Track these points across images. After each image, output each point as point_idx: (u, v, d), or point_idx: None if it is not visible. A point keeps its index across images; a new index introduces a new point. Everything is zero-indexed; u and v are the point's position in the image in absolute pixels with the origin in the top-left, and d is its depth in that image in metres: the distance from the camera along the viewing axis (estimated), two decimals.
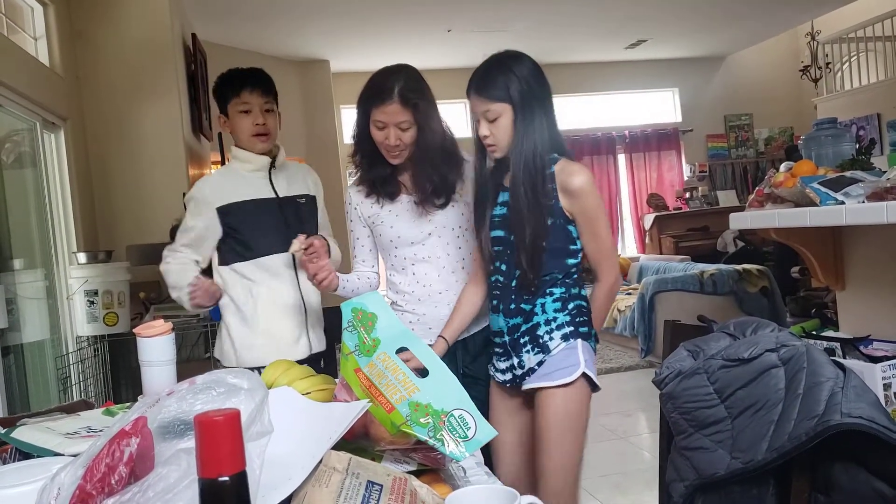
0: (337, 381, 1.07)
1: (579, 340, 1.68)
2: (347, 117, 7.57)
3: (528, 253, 1.64)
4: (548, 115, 1.66)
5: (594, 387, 1.69)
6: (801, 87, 8.68)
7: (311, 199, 2.17)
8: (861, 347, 2.02)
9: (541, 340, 1.70)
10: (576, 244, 1.70)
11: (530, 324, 1.71)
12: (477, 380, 1.95)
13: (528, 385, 1.71)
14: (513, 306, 1.73)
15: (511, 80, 1.61)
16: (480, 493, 0.80)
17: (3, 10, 3.32)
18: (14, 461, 0.83)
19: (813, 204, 2.19)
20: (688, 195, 8.37)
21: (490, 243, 1.77)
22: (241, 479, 0.51)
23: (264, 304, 2.05)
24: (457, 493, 0.80)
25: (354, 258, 2.04)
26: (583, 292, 1.75)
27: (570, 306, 1.70)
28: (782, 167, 2.56)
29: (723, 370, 1.17)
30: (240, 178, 2.07)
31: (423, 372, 0.99)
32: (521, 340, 1.72)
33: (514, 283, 1.71)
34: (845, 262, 2.61)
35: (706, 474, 1.17)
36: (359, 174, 1.96)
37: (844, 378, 1.07)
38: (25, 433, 0.89)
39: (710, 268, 5.81)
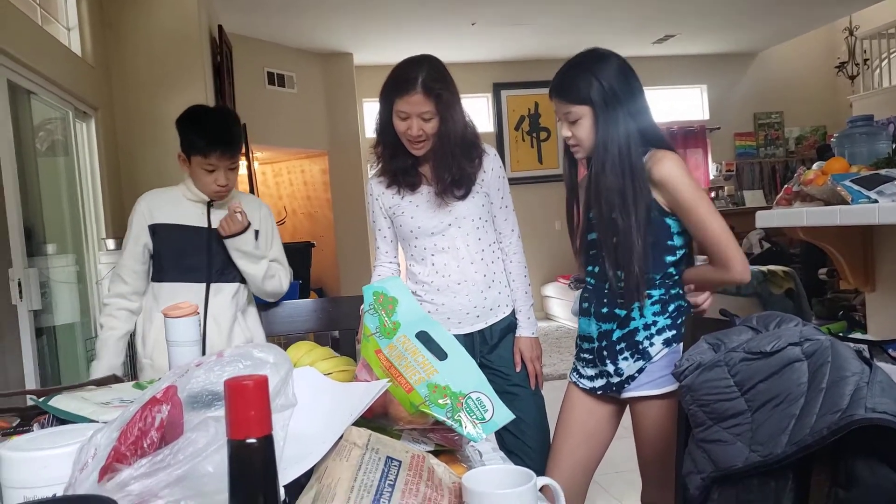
0: (358, 362, 1.08)
1: (682, 345, 1.58)
2: (370, 111, 7.61)
3: (615, 255, 1.58)
4: (635, 112, 1.60)
5: None
6: (835, 85, 8.51)
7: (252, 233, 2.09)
8: (890, 350, 1.99)
9: (640, 347, 1.62)
10: (673, 240, 1.61)
11: (627, 329, 1.63)
12: (494, 371, 1.97)
13: (629, 394, 1.65)
14: (605, 310, 1.65)
15: (591, 82, 1.57)
16: (497, 473, 0.81)
17: (38, 1, 3.39)
18: (51, 427, 0.87)
19: (844, 202, 2.15)
20: (713, 195, 8.28)
21: (587, 246, 1.72)
22: (268, 442, 0.53)
23: (157, 332, 2.00)
24: (474, 471, 0.81)
25: (377, 249, 2.07)
26: (680, 290, 1.66)
27: (671, 308, 1.62)
28: (814, 166, 2.53)
29: (744, 363, 1.17)
30: (181, 202, 2.07)
31: (442, 356, 1.01)
32: (618, 347, 1.64)
33: (607, 287, 1.64)
34: (876, 262, 2.57)
35: (724, 467, 1.17)
36: (380, 165, 1.98)
37: (870, 373, 1.07)
38: (62, 402, 0.94)
39: None
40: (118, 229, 3.92)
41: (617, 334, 1.65)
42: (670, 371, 1.46)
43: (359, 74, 7.32)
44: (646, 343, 1.62)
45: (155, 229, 2.03)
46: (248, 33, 6.23)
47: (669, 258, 1.62)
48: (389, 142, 1.91)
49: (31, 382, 2.76)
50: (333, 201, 7.20)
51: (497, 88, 8.07)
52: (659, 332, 1.62)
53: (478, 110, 8.09)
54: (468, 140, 1.90)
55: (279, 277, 2.14)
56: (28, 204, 3.07)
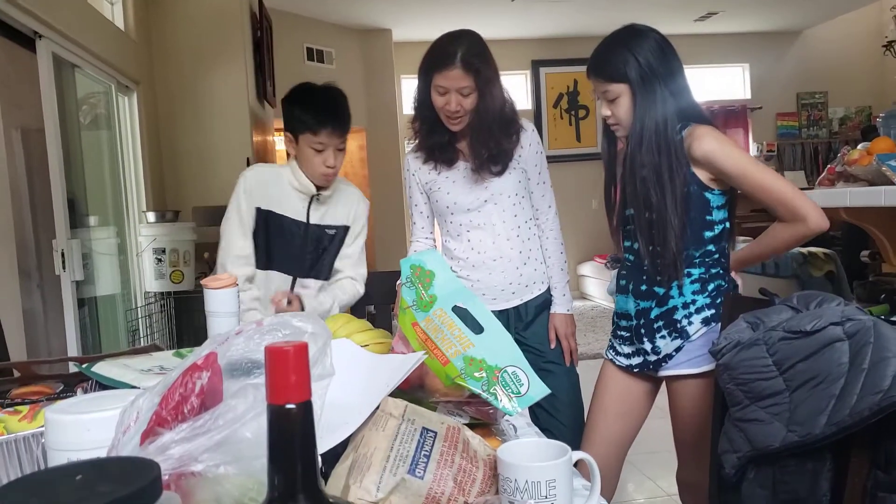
0: (394, 335, 1.09)
1: (715, 327, 1.57)
2: (408, 87, 7.59)
3: (649, 231, 1.56)
4: (674, 88, 1.57)
5: None
6: (883, 64, 8.23)
7: (343, 230, 2.05)
8: None
9: (679, 325, 1.60)
10: (713, 214, 1.58)
11: (666, 307, 1.61)
12: (528, 347, 1.97)
13: (666, 372, 1.64)
14: (644, 287, 1.64)
15: (628, 59, 1.54)
16: (532, 446, 0.82)
17: None
18: (94, 392, 0.90)
19: (889, 183, 2.10)
20: None
21: (623, 221, 1.71)
22: (307, 408, 0.53)
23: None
24: (509, 443, 0.81)
25: (414, 224, 2.07)
26: (727, 272, 1.63)
27: (710, 287, 1.60)
28: (859, 147, 2.46)
29: (783, 342, 1.15)
30: (285, 189, 1.98)
31: (478, 329, 1.01)
32: (656, 325, 1.63)
33: (646, 263, 1.61)
34: None
35: (760, 446, 1.16)
36: (417, 140, 1.98)
37: None
38: (104, 368, 0.96)
39: None
40: (158, 203, 3.99)
41: (655, 312, 1.63)
42: (708, 350, 1.45)
43: (397, 51, 7.29)
44: (684, 322, 1.60)
45: (258, 212, 1.96)
46: (288, 9, 6.24)
47: (708, 234, 1.59)
48: (427, 117, 1.90)
49: (73, 351, 2.85)
50: (370, 178, 7.23)
51: (536, 65, 7.97)
52: (698, 311, 1.60)
53: (516, 87, 8.01)
54: (506, 116, 1.88)
55: (351, 294, 2.07)
56: (71, 177, 3.14)
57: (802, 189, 2.60)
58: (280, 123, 5.96)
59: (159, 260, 3.49)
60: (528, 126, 1.97)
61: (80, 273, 2.93)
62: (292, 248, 1.98)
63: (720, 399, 1.35)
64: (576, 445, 1.79)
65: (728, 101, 8.38)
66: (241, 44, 4.34)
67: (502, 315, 1.97)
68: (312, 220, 1.99)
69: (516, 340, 1.95)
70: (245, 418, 0.62)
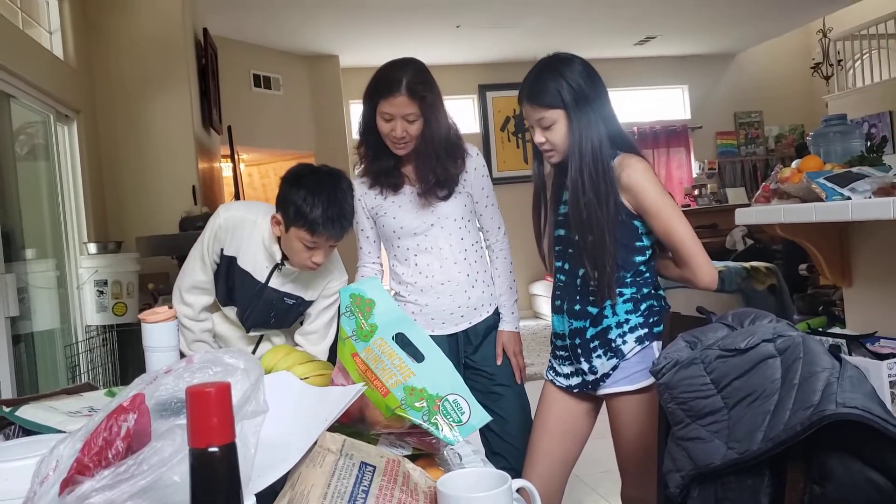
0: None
1: (655, 343, 1.62)
2: (356, 112, 7.57)
3: (591, 254, 1.59)
4: (604, 114, 1.61)
5: None
6: (812, 85, 8.61)
7: (304, 304, 1.88)
8: (868, 344, 2.01)
9: (613, 345, 1.63)
10: (642, 240, 1.63)
11: (600, 327, 1.64)
12: (478, 371, 1.97)
13: (605, 390, 1.66)
14: (577, 307, 1.67)
15: (562, 84, 1.58)
16: (472, 476, 0.81)
17: (20, 4, 3.36)
18: (17, 438, 0.86)
19: (819, 199, 2.17)
20: (696, 192, 8.32)
21: (553, 242, 1.75)
22: (230, 450, 0.52)
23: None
24: (449, 475, 0.81)
25: (360, 249, 2.07)
26: (659, 291, 1.68)
27: (643, 307, 1.64)
28: (792, 164, 2.55)
29: (719, 360, 1.17)
30: (254, 241, 1.81)
31: (419, 357, 1.01)
32: (592, 345, 1.66)
33: (578, 283, 1.66)
34: (852, 258, 2.60)
35: (702, 464, 1.17)
36: (363, 166, 1.98)
37: (840, 368, 1.07)
38: (29, 412, 0.92)
39: (718, 265, 5.76)
40: (100, 234, 3.89)
41: (590, 332, 1.66)
42: (644, 367, 1.52)
43: (345, 76, 7.30)
44: (619, 341, 1.64)
45: (222, 255, 1.82)
46: (233, 36, 6.20)
47: (638, 257, 1.64)
48: (372, 142, 1.91)
49: (7, 391, 2.73)
50: None
51: (482, 90, 8.08)
52: (631, 329, 1.63)
53: (464, 111, 8.09)
54: (452, 141, 1.90)
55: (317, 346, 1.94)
56: (6, 208, 3.03)
57: (744, 206, 2.68)
58: (227, 150, 5.91)
59: (101, 292, 3.39)
60: (473, 150, 2.00)
61: (16, 308, 2.82)
62: (251, 299, 1.86)
63: (664, 419, 1.37)
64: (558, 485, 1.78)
65: (669, 122, 8.62)
66: (184, 71, 4.29)
67: (451, 339, 1.97)
68: (272, 284, 1.82)
69: (466, 364, 1.98)
70: (172, 461, 0.60)
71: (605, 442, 1.82)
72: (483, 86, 8.06)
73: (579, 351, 1.68)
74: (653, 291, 1.67)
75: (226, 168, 6.15)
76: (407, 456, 0.94)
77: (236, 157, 5.75)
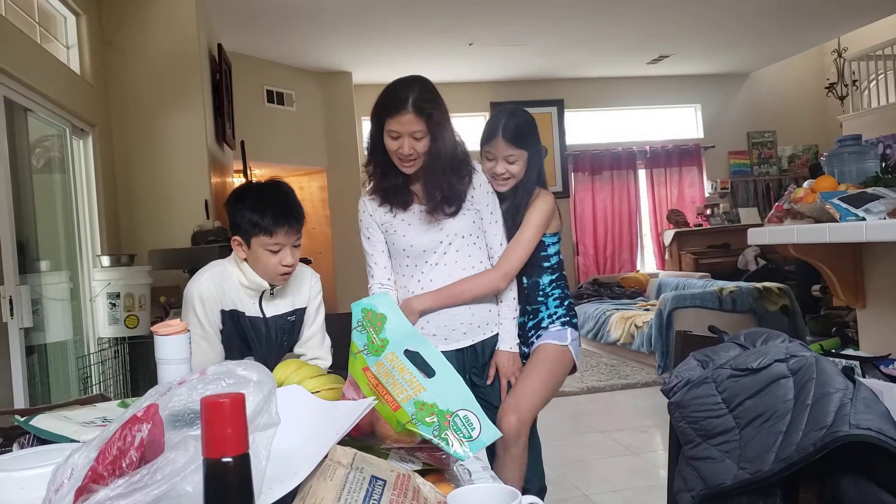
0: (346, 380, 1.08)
1: (569, 328, 2.09)
2: (368, 129, 7.62)
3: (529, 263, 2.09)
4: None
5: (574, 368, 2.10)
6: (826, 105, 8.59)
7: (302, 312, 1.95)
8: (881, 367, 1.99)
9: (542, 325, 2.10)
10: (547, 250, 2.11)
11: (537, 319, 2.11)
12: (477, 388, 1.96)
13: (532, 348, 2.07)
14: (527, 307, 2.12)
15: (531, 134, 2.06)
16: (482, 492, 0.81)
17: (38, 20, 3.42)
18: (32, 447, 0.87)
19: (833, 220, 2.17)
20: (709, 212, 8.30)
21: None
22: (244, 461, 0.53)
23: None
24: (459, 490, 0.81)
25: (376, 265, 2.04)
26: (568, 292, 2.17)
27: (566, 303, 2.14)
28: (805, 184, 2.54)
29: (731, 380, 1.17)
30: (236, 288, 1.85)
31: (430, 373, 1.01)
32: (530, 333, 2.10)
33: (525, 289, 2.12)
34: (866, 279, 2.58)
35: (713, 484, 1.17)
36: (372, 184, 1.99)
37: (854, 389, 1.07)
38: (43, 421, 0.93)
39: (730, 285, 5.75)
40: (113, 247, 3.92)
41: (530, 324, 2.11)
42: (560, 336, 2.06)
43: (357, 93, 7.36)
44: (547, 322, 2.10)
45: (223, 313, 1.84)
46: (247, 52, 6.27)
47: (546, 264, 2.11)
48: (380, 160, 1.92)
49: (20, 401, 2.75)
50: (331, 218, 7.22)
51: (494, 107, 8.10)
52: (559, 318, 2.09)
53: (475, 128, 8.12)
54: (458, 158, 1.91)
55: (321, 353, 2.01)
56: (22, 220, 3.07)
57: (756, 226, 2.68)
58: (239, 165, 5.94)
59: (113, 305, 3.41)
60: (479, 167, 2.01)
61: (30, 320, 2.84)
62: (268, 340, 1.87)
63: (675, 438, 1.37)
64: (533, 485, 1.79)
65: (682, 141, 8.62)
66: (199, 86, 4.33)
67: (458, 354, 1.97)
68: (269, 314, 1.87)
69: (471, 381, 1.97)
70: (185, 472, 0.61)
71: (615, 462, 1.81)
72: (495, 103, 8.08)
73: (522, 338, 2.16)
74: (567, 291, 2.17)
75: (238, 183, 6.19)
76: (417, 471, 0.94)
77: (249, 171, 5.80)
